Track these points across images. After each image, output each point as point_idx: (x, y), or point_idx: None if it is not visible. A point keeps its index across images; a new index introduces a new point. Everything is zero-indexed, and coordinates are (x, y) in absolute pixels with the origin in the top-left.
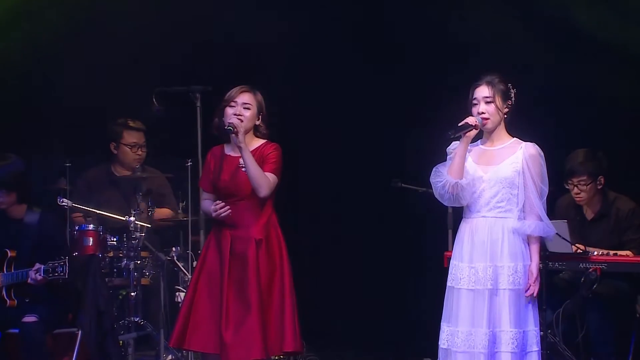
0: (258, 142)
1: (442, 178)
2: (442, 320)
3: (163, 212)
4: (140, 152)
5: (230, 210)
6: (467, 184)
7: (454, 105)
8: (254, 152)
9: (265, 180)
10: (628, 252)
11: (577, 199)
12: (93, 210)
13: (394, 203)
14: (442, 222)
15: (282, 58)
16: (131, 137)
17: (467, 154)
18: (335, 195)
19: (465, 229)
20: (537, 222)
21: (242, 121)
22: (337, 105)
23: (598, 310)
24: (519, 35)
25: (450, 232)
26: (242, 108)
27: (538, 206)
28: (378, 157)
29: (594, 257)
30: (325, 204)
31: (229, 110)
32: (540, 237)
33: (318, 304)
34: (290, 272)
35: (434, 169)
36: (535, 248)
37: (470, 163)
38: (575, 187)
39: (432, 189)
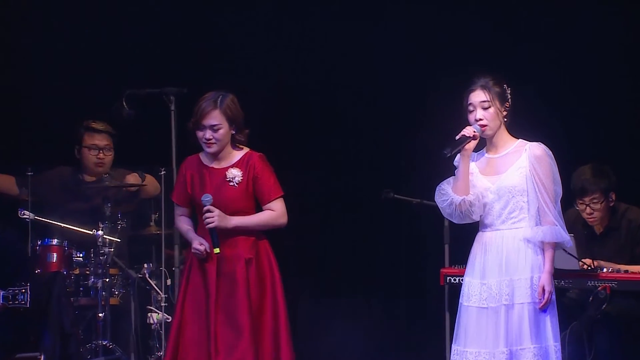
0: (239, 153)
1: (447, 196)
2: (453, 341)
3: (150, 180)
4: (101, 156)
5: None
6: (475, 199)
7: (450, 110)
8: (237, 164)
9: (275, 217)
10: (639, 268)
11: (590, 219)
12: (57, 223)
13: (385, 215)
14: (439, 236)
15: (272, 58)
16: (91, 139)
17: (473, 164)
18: (323, 206)
19: (478, 244)
20: (550, 227)
21: (215, 143)
22: (325, 111)
23: (608, 332)
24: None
25: (447, 247)
26: (211, 131)
27: (551, 210)
28: (368, 165)
29: (604, 275)
30: (312, 216)
31: (200, 134)
32: (556, 244)
33: (305, 322)
34: (283, 292)
35: (437, 188)
36: (548, 255)
37: (476, 175)
38: (588, 207)
39: (425, 200)
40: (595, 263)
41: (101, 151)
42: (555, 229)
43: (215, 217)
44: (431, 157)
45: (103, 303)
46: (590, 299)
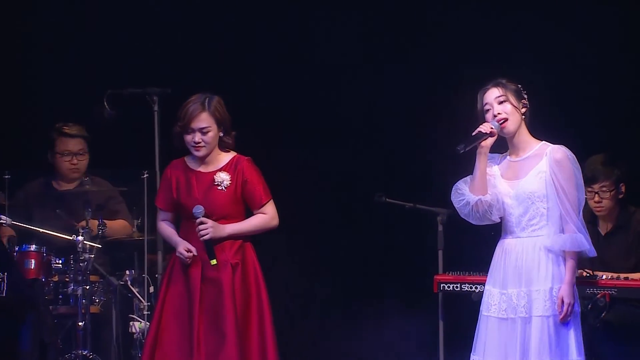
0: (226, 155)
1: (463, 196)
2: (472, 350)
3: (118, 225)
4: (74, 162)
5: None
6: (493, 199)
7: (443, 111)
8: (225, 168)
9: (268, 221)
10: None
11: (598, 208)
12: (36, 228)
13: (377, 220)
14: (432, 242)
15: (264, 58)
16: (64, 144)
17: (496, 167)
18: (312, 211)
19: (498, 252)
20: (571, 235)
21: (204, 147)
22: (310, 111)
23: (608, 340)
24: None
25: (440, 252)
26: (201, 134)
27: (572, 218)
28: (359, 168)
29: (603, 282)
30: (300, 221)
31: (188, 137)
32: (577, 253)
33: (291, 332)
34: (268, 299)
35: (453, 187)
36: (569, 266)
37: (498, 178)
38: (597, 195)
39: (419, 204)
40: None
41: (74, 156)
42: (577, 237)
43: (209, 229)
44: (426, 160)
45: (83, 311)
46: (590, 306)
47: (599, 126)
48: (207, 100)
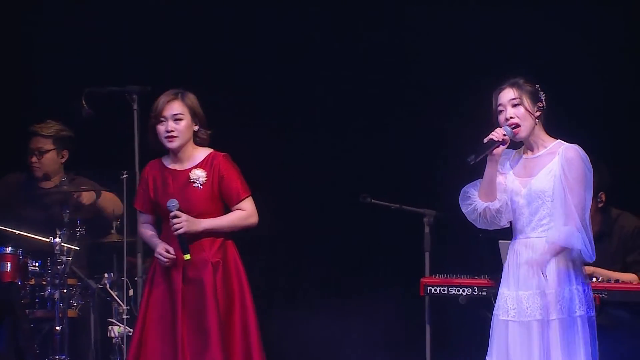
0: (202, 152)
1: (471, 201)
2: (487, 354)
3: (109, 196)
4: (34, 160)
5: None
6: (502, 205)
7: (431, 111)
8: (201, 165)
9: (245, 217)
10: (632, 277)
11: None
12: (11, 230)
13: (362, 221)
14: (418, 244)
15: (250, 56)
16: (32, 142)
17: (510, 165)
18: (296, 211)
19: (511, 253)
20: (565, 228)
21: (177, 137)
22: (295, 110)
23: (599, 344)
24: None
25: (427, 255)
26: (173, 122)
27: (574, 217)
28: (344, 168)
29: (593, 284)
30: (284, 221)
31: (161, 128)
32: (569, 250)
33: (275, 333)
34: (252, 298)
35: (462, 191)
36: (551, 248)
37: (509, 176)
38: None
39: (404, 205)
40: (588, 270)
41: (33, 154)
42: (569, 231)
43: (183, 223)
44: (413, 160)
45: (61, 315)
46: None
47: (599, 127)
48: (180, 92)
